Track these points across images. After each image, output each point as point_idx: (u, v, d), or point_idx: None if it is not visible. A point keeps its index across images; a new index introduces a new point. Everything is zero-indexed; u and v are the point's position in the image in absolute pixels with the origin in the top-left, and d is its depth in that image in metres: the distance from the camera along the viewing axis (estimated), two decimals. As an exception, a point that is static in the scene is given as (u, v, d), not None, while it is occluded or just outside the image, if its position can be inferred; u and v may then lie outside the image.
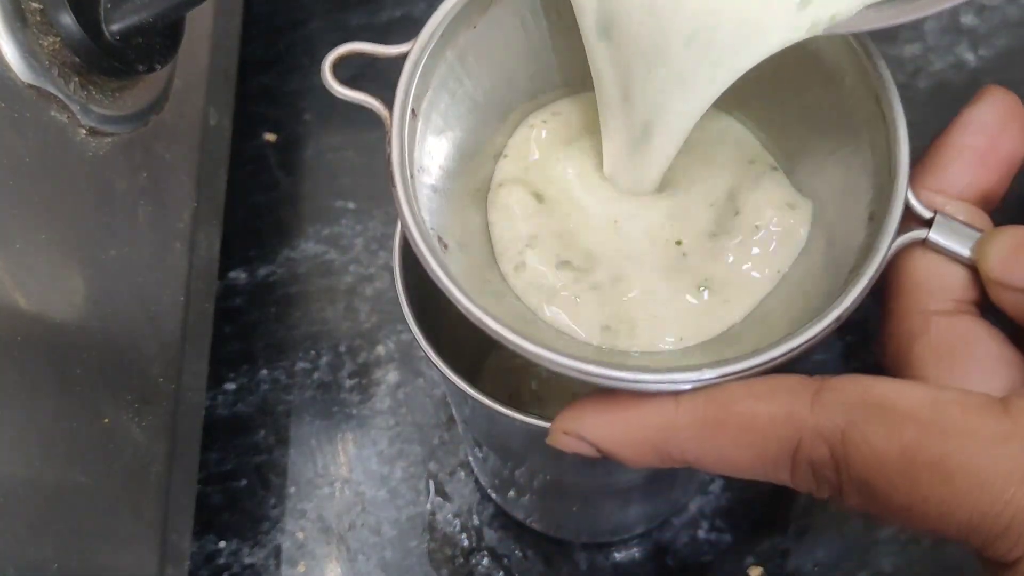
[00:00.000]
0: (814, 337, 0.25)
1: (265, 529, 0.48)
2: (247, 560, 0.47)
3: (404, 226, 0.27)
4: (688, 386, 0.25)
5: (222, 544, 0.48)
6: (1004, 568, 0.22)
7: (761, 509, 0.46)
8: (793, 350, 0.25)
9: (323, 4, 0.58)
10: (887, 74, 0.28)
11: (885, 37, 0.54)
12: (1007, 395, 0.23)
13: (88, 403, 0.35)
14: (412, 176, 0.27)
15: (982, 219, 0.27)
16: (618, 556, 0.46)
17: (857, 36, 0.28)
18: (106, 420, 0.36)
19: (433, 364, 0.33)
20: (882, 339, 0.28)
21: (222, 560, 0.47)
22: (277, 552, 0.47)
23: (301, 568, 0.47)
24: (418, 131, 0.28)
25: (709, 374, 0.25)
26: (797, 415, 0.23)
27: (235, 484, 0.49)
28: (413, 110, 0.28)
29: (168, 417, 0.40)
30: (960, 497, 0.22)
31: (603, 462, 0.36)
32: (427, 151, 0.29)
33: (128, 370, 0.38)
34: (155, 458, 0.39)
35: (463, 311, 0.26)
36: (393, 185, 0.27)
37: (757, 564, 0.46)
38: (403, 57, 0.28)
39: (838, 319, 0.25)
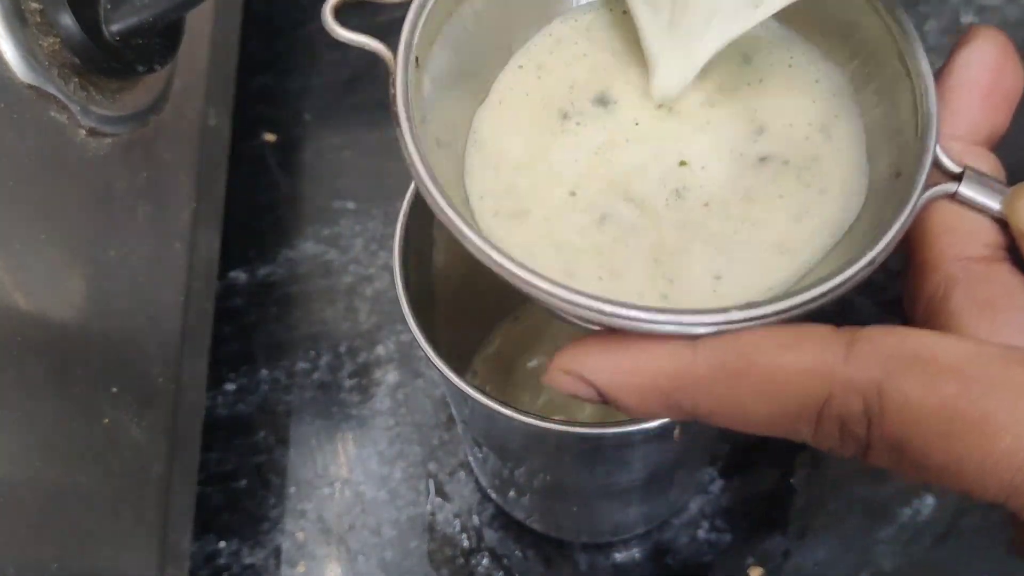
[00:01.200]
0: (848, 280, 0.24)
1: (265, 529, 0.48)
2: (247, 560, 0.47)
3: (413, 170, 0.25)
4: (708, 330, 0.23)
5: (222, 544, 0.48)
6: None
7: (761, 509, 0.46)
8: (826, 293, 0.23)
9: (322, 4, 0.58)
10: (910, 27, 0.27)
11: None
12: None
13: (88, 403, 0.35)
14: (416, 123, 0.26)
15: (996, 165, 0.27)
16: (618, 556, 0.46)
17: None
18: (106, 420, 0.36)
19: (433, 364, 0.33)
20: (912, 293, 0.26)
21: (222, 560, 0.47)
22: (277, 552, 0.47)
23: (301, 568, 0.47)
24: (424, 84, 0.28)
25: (734, 316, 0.23)
26: (828, 366, 0.22)
27: (235, 484, 0.49)
28: (416, 59, 0.27)
29: (168, 417, 0.40)
30: (1002, 456, 0.21)
31: (602, 461, 0.36)
32: (429, 103, 0.28)
33: (128, 370, 0.38)
34: (155, 458, 0.39)
35: (470, 249, 0.24)
36: (399, 126, 0.25)
37: (757, 564, 0.45)
38: (407, 4, 0.27)
39: (871, 262, 0.24)
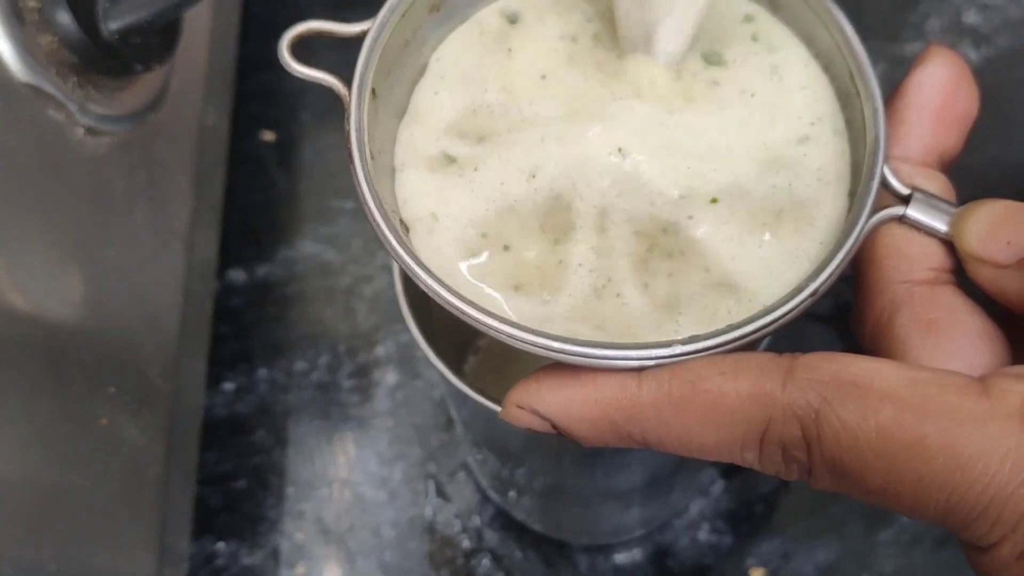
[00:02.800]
0: (788, 312, 0.24)
1: (264, 530, 0.48)
2: (245, 561, 0.47)
3: (366, 208, 0.26)
4: (653, 362, 0.24)
5: (220, 545, 0.47)
6: (980, 552, 0.22)
7: (762, 511, 0.46)
8: (767, 325, 0.24)
9: (321, 4, 0.58)
10: (859, 47, 0.27)
11: (885, 35, 0.55)
12: (987, 375, 0.23)
13: (86, 404, 0.35)
14: (372, 157, 0.26)
15: (947, 187, 0.27)
16: (619, 558, 0.46)
17: (827, 9, 0.28)
18: (104, 421, 0.36)
19: (433, 365, 0.33)
20: (859, 314, 0.27)
21: (220, 561, 0.47)
22: (276, 553, 0.47)
23: (300, 569, 0.47)
24: (379, 112, 0.28)
25: (677, 349, 0.24)
26: (768, 394, 0.23)
27: (233, 485, 0.49)
28: (373, 90, 0.27)
29: (166, 417, 0.40)
30: (937, 478, 0.21)
31: (602, 463, 0.36)
32: (386, 132, 0.28)
33: (126, 370, 0.37)
34: (153, 459, 0.39)
35: (421, 286, 0.25)
36: (352, 162, 0.26)
37: (758, 566, 0.45)
38: (363, 35, 0.27)
39: (813, 294, 0.25)
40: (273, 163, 0.56)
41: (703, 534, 0.46)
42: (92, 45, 0.34)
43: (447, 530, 0.47)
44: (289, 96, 0.58)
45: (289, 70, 0.27)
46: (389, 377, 0.50)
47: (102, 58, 0.34)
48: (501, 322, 0.24)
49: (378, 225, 0.25)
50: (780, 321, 0.24)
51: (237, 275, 0.53)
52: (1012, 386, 0.22)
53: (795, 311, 0.25)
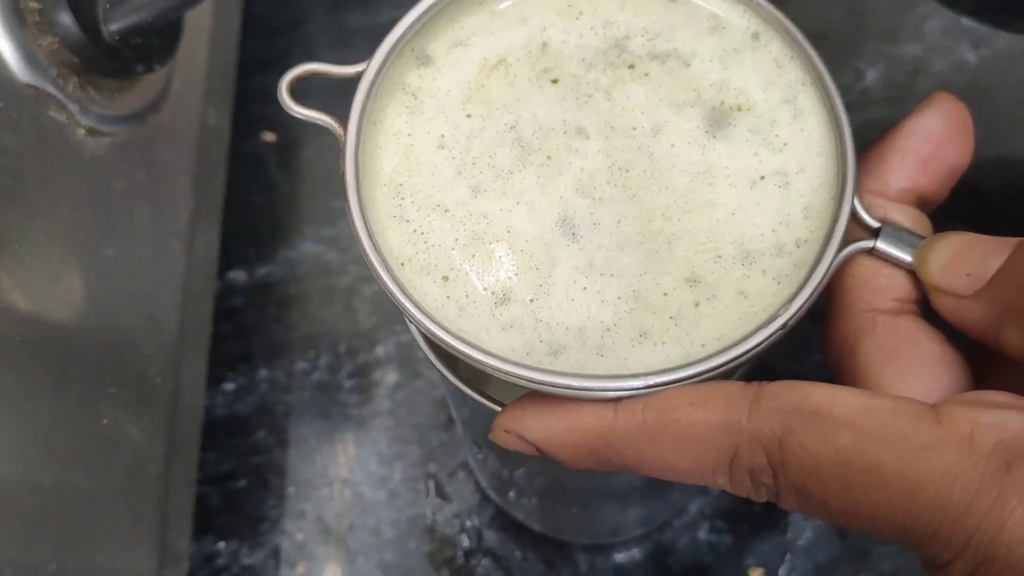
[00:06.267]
0: (757, 345, 0.25)
1: (264, 530, 0.48)
2: (246, 561, 0.47)
3: (361, 249, 0.27)
4: (628, 393, 0.25)
5: (221, 545, 0.47)
6: (937, 569, 0.23)
7: (761, 510, 0.46)
8: (736, 358, 0.25)
9: (322, 4, 0.58)
10: (836, 96, 0.28)
11: (883, 36, 0.55)
12: (940, 402, 0.23)
13: (86, 404, 0.35)
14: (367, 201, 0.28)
15: (923, 223, 0.28)
16: (618, 557, 0.46)
17: (800, 44, 0.29)
18: (104, 421, 0.36)
19: (433, 365, 0.33)
20: (826, 340, 0.28)
21: (221, 561, 0.47)
22: (276, 553, 0.47)
23: (300, 569, 0.47)
24: (380, 141, 0.29)
25: (652, 381, 0.25)
26: (735, 422, 0.24)
27: (234, 485, 0.49)
28: (374, 120, 0.29)
29: (167, 417, 0.40)
30: (892, 502, 0.22)
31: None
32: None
33: (126, 370, 0.38)
34: (154, 459, 0.39)
35: (410, 320, 0.26)
36: (347, 202, 0.27)
37: (757, 566, 0.46)
38: (359, 76, 0.29)
39: (783, 326, 0.25)
40: (274, 164, 0.56)
41: (703, 533, 0.46)
42: (93, 46, 0.34)
43: (447, 530, 0.47)
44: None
45: (289, 112, 0.28)
46: (389, 377, 0.50)
47: (103, 59, 0.34)
48: (483, 354, 0.26)
49: (373, 266, 0.27)
50: (750, 353, 0.25)
51: (238, 275, 0.53)
52: (963, 413, 0.23)
53: (765, 343, 0.25)
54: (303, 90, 0.29)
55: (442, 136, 0.29)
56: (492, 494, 0.47)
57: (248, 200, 0.54)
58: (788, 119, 0.29)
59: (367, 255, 0.27)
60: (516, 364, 0.25)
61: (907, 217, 0.27)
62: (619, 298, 0.27)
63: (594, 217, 0.28)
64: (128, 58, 0.35)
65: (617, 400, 0.25)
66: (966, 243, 0.26)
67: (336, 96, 0.29)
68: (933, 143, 0.28)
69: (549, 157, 0.29)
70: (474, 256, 0.28)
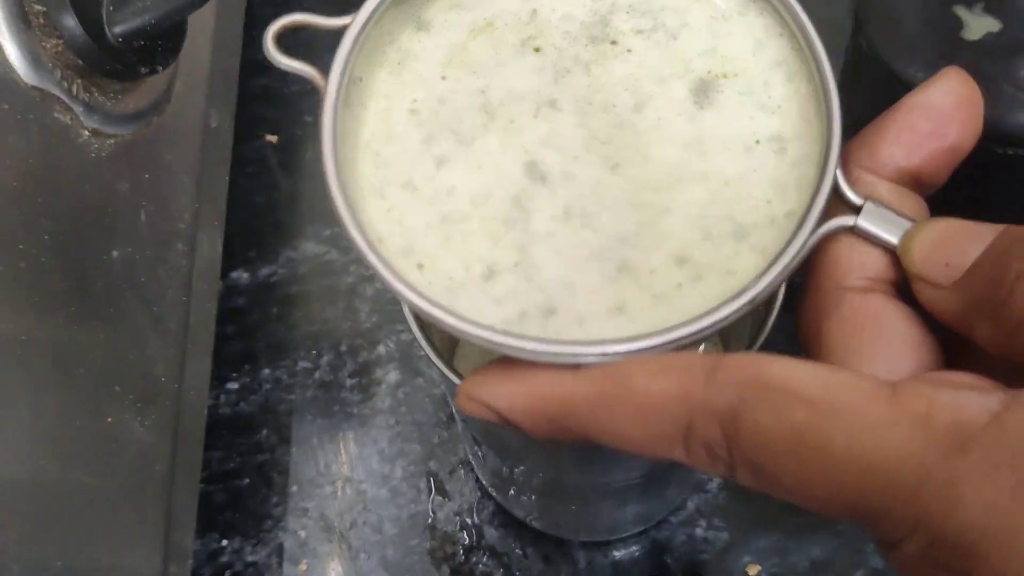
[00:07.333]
0: (723, 319, 0.25)
1: (267, 527, 0.48)
2: (249, 558, 0.47)
3: (337, 215, 0.27)
4: (590, 360, 0.24)
5: (225, 542, 0.48)
6: (889, 549, 0.22)
7: (759, 507, 0.47)
8: (701, 330, 0.25)
9: (324, 6, 0.58)
10: (825, 63, 0.27)
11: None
12: (900, 381, 0.23)
13: (91, 403, 0.35)
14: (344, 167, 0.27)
15: (916, 205, 0.27)
16: (617, 554, 0.47)
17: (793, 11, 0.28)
18: (109, 419, 0.36)
19: (433, 363, 0.33)
20: (798, 316, 0.27)
21: (225, 558, 0.47)
22: (279, 550, 0.48)
23: (303, 566, 0.47)
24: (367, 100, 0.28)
25: (608, 349, 0.24)
26: (690, 393, 0.23)
27: (237, 483, 0.49)
28: (361, 77, 0.28)
29: (171, 416, 0.40)
30: (844, 479, 0.22)
31: (600, 460, 0.37)
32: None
33: (131, 370, 0.38)
34: (158, 457, 0.40)
35: (381, 280, 0.26)
36: (324, 159, 0.27)
37: (754, 562, 0.46)
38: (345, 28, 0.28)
39: (751, 301, 0.25)
40: (276, 165, 0.56)
41: (700, 530, 0.46)
42: (97, 48, 0.34)
43: (448, 527, 0.48)
44: (292, 98, 0.58)
45: (273, 62, 0.27)
46: (391, 375, 0.51)
47: (107, 61, 0.34)
48: (441, 311, 0.25)
49: (356, 242, 0.27)
50: (714, 327, 0.25)
51: (240, 276, 0.53)
52: (921, 390, 0.22)
53: (731, 317, 0.25)
54: (299, 50, 0.28)
55: (415, 100, 0.28)
56: (492, 491, 0.47)
57: (250, 201, 0.55)
58: (782, 80, 0.28)
59: (344, 225, 0.26)
60: (473, 324, 0.25)
61: (897, 197, 0.26)
62: (606, 260, 0.26)
63: (566, 169, 0.27)
64: (132, 60, 0.35)
65: (577, 367, 0.25)
66: (950, 230, 0.25)
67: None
68: (933, 120, 0.26)
69: (512, 122, 0.28)
70: (448, 240, 0.27)
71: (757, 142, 0.27)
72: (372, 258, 0.26)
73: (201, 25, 0.45)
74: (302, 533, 0.48)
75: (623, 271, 0.26)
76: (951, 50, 0.39)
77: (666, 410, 0.24)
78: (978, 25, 0.40)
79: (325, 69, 0.27)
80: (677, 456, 0.24)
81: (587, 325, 0.26)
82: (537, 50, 0.29)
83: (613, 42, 0.29)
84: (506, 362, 0.26)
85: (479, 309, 0.26)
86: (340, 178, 0.27)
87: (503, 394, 0.25)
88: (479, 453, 0.43)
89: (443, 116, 0.28)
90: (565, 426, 0.25)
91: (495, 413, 0.26)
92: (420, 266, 0.27)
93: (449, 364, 0.33)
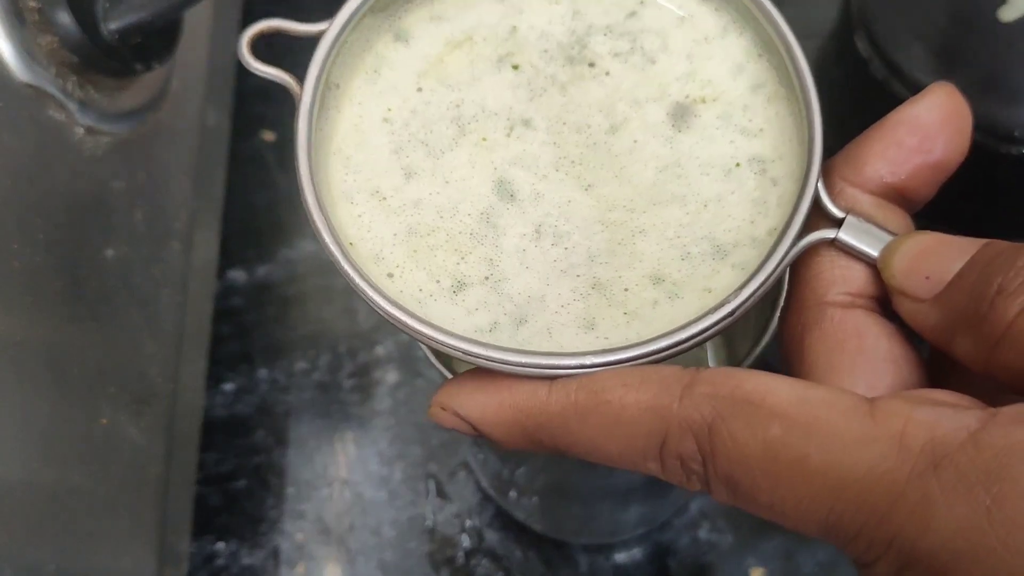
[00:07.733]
0: (702, 332, 0.25)
1: (264, 530, 0.48)
2: (245, 561, 0.47)
3: (310, 218, 0.27)
4: (564, 372, 0.24)
5: (220, 545, 0.47)
6: (863, 568, 0.22)
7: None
8: (676, 344, 0.25)
9: (323, 4, 0.58)
10: (808, 79, 0.27)
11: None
12: (878, 398, 0.23)
13: (86, 403, 0.35)
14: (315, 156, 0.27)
15: (900, 219, 0.26)
16: (619, 557, 0.46)
17: (772, 19, 0.28)
18: (104, 421, 0.36)
19: (432, 364, 0.33)
20: (780, 331, 0.27)
21: (220, 561, 0.47)
22: (276, 553, 0.47)
23: (300, 569, 0.47)
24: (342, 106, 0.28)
25: (586, 361, 0.24)
26: (665, 406, 0.23)
27: (234, 485, 0.49)
28: (338, 84, 0.28)
29: (166, 417, 0.40)
30: (817, 497, 0.22)
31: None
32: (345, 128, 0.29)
33: (126, 370, 0.38)
34: (153, 459, 0.39)
35: (354, 288, 0.26)
36: (298, 163, 0.26)
37: (758, 565, 0.46)
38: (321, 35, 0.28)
39: (730, 314, 0.25)
40: (274, 163, 0.56)
41: (703, 533, 0.46)
42: (92, 45, 0.34)
43: (447, 530, 0.47)
44: (289, 96, 0.57)
45: (248, 67, 0.27)
46: (389, 376, 0.50)
47: (102, 58, 0.34)
48: (415, 320, 0.25)
49: (328, 247, 0.27)
50: (691, 340, 0.25)
51: (237, 275, 0.53)
52: (898, 408, 0.22)
53: (711, 330, 0.25)
54: (279, 56, 0.28)
55: (388, 109, 0.28)
56: (493, 494, 0.47)
57: (248, 199, 0.54)
58: (762, 102, 0.28)
59: (316, 228, 0.27)
60: (447, 333, 0.25)
61: (880, 211, 0.26)
62: (578, 276, 0.26)
63: (535, 188, 0.27)
64: (127, 57, 0.35)
65: (552, 379, 0.25)
66: (931, 243, 0.25)
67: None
68: (919, 136, 0.26)
69: (484, 139, 0.28)
70: (415, 252, 0.27)
71: (737, 165, 0.28)
72: (345, 265, 0.27)
73: (198, 22, 0.45)
74: (299, 536, 0.48)
75: (596, 288, 0.26)
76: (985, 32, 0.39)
77: (641, 423, 0.23)
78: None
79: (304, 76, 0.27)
80: (652, 470, 0.24)
81: (557, 337, 0.26)
82: (515, 67, 0.29)
83: (591, 64, 0.29)
84: (479, 373, 0.25)
85: (450, 319, 0.26)
86: (314, 180, 0.26)
87: (475, 405, 0.25)
88: (480, 455, 0.43)
89: (414, 127, 0.28)
90: (538, 438, 0.25)
91: (467, 424, 0.26)
92: (390, 275, 0.27)
93: (448, 365, 0.33)
